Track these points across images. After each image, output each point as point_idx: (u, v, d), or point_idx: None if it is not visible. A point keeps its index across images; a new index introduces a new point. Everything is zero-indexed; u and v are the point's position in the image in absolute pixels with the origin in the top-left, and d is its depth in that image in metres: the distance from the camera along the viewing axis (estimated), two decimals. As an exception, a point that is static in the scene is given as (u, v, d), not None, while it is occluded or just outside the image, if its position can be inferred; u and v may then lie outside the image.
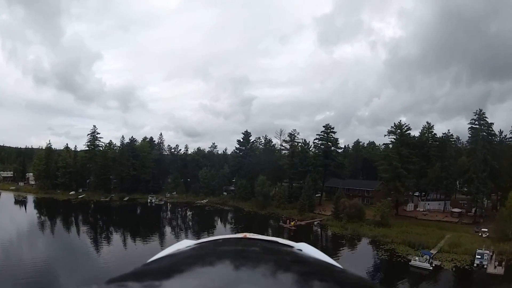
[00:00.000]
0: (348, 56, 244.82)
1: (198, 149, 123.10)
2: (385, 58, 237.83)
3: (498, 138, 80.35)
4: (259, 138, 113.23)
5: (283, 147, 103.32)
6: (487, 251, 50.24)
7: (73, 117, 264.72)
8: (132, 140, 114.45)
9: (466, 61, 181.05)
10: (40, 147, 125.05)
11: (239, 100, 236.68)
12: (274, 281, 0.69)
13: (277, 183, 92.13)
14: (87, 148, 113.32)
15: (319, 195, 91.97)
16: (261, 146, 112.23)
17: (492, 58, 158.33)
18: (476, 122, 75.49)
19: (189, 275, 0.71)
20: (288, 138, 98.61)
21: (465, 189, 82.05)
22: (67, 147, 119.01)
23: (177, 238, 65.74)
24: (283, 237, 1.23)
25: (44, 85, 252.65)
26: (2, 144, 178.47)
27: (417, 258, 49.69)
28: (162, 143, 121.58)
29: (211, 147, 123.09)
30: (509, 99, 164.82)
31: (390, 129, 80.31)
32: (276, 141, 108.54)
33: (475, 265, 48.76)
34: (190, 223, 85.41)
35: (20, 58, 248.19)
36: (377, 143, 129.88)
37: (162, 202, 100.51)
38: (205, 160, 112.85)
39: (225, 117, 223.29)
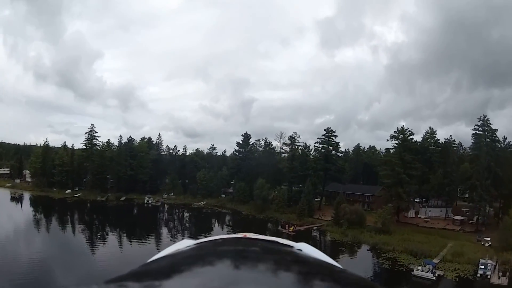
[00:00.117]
0: (349, 60, 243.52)
1: (197, 150, 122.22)
2: (386, 63, 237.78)
3: (502, 145, 78.98)
4: (258, 140, 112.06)
5: (283, 150, 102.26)
6: (491, 261, 49.13)
7: (73, 115, 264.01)
8: (130, 139, 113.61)
9: (467, 67, 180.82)
10: (39, 145, 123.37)
11: (239, 101, 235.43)
12: (274, 281, 0.69)
13: (276, 186, 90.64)
14: (85, 147, 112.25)
15: (319, 199, 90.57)
16: (260, 148, 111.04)
17: (493, 64, 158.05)
18: (480, 128, 74.29)
19: (189, 275, 0.71)
20: (288, 141, 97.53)
21: (466, 196, 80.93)
22: (64, 145, 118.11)
23: (173, 239, 64.41)
24: None
25: (44, 82, 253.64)
26: (0, 141, 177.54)
27: (419, 267, 48.35)
28: (161, 143, 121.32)
29: (210, 148, 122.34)
30: (509, 105, 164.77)
31: (393, 133, 79.28)
32: (276, 144, 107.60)
33: (478, 275, 47.60)
34: (187, 225, 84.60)
35: (21, 54, 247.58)
36: (377, 148, 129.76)
37: (159, 203, 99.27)
38: (203, 161, 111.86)
39: (225, 119, 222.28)
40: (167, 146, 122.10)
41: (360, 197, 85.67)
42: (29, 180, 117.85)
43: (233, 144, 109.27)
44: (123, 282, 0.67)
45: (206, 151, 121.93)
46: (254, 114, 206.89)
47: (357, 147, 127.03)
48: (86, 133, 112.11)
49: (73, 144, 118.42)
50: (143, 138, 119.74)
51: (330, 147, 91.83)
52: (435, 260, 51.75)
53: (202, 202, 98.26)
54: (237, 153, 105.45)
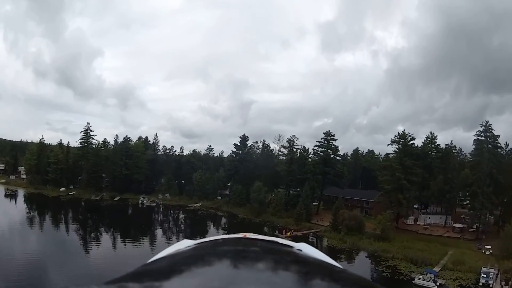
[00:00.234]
0: (349, 64, 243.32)
1: (194, 151, 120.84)
2: (386, 67, 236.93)
3: (504, 151, 77.81)
4: (256, 142, 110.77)
5: (281, 153, 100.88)
6: (493, 270, 48.30)
7: (72, 113, 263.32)
8: (127, 139, 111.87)
9: (467, 73, 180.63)
10: (36, 142, 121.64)
11: (238, 103, 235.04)
12: (274, 281, 0.69)
13: (274, 190, 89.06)
14: (80, 145, 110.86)
15: (316, 203, 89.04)
16: (258, 150, 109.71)
17: (492, 71, 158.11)
18: (482, 134, 73.15)
19: (189, 275, 0.71)
20: (286, 144, 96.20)
21: (465, 203, 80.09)
22: (60, 143, 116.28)
23: (168, 241, 63.91)
24: None
25: (43, 79, 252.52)
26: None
27: (421, 276, 47.09)
28: (157, 143, 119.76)
29: (207, 149, 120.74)
30: (507, 112, 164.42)
31: (394, 138, 78.00)
32: (274, 146, 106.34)
33: (480, 284, 46.75)
34: (182, 227, 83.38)
35: (21, 50, 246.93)
36: (376, 152, 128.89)
37: (154, 204, 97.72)
38: (200, 162, 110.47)
39: (223, 120, 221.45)
40: (164, 146, 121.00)
41: (359, 202, 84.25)
42: (23, 177, 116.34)
43: (230, 145, 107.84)
44: (123, 283, 0.67)
45: (203, 152, 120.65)
46: (252, 116, 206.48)
47: (356, 151, 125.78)
48: (82, 131, 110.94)
49: (68, 142, 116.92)
50: (140, 138, 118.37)
51: (329, 150, 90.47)
52: (436, 269, 50.82)
53: (198, 204, 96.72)
54: (234, 155, 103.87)
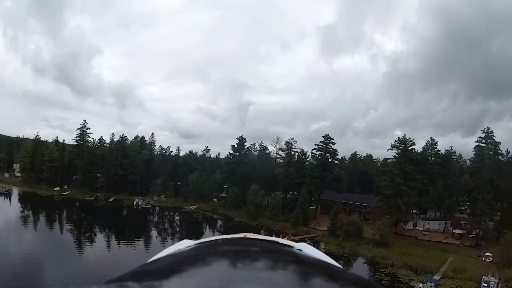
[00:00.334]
0: (348, 67, 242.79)
1: (190, 152, 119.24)
2: (384, 71, 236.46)
3: (505, 158, 76.92)
4: (254, 144, 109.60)
5: (279, 156, 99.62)
6: (493, 278, 47.44)
7: (70, 110, 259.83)
8: (123, 138, 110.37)
9: (465, 78, 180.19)
10: (33, 138, 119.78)
11: (236, 104, 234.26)
12: (275, 281, 0.69)
13: (271, 193, 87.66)
14: (76, 143, 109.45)
15: (313, 207, 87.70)
16: (255, 153, 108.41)
17: (491, 76, 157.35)
18: (483, 141, 72.26)
19: (189, 275, 0.72)
20: (284, 147, 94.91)
21: (464, 208, 79.18)
22: (56, 140, 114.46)
23: (163, 243, 62.97)
24: None
25: (42, 76, 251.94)
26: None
27: (421, 285, 46.08)
28: (154, 143, 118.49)
29: (204, 150, 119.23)
30: (505, 118, 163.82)
31: (394, 143, 76.99)
32: (272, 149, 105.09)
33: (481, 292, 45.55)
34: (177, 229, 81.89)
35: (20, 47, 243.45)
36: (372, 155, 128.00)
37: (149, 206, 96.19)
38: (196, 163, 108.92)
39: (221, 121, 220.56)
40: (160, 146, 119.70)
41: (357, 207, 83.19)
42: (18, 174, 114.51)
43: (227, 147, 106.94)
44: (123, 282, 0.67)
45: (200, 153, 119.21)
46: (250, 118, 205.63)
47: (354, 155, 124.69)
48: (77, 129, 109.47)
49: (64, 140, 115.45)
50: (136, 137, 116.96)
51: (327, 154, 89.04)
52: (436, 277, 49.91)
53: (193, 206, 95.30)
54: (231, 157, 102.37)
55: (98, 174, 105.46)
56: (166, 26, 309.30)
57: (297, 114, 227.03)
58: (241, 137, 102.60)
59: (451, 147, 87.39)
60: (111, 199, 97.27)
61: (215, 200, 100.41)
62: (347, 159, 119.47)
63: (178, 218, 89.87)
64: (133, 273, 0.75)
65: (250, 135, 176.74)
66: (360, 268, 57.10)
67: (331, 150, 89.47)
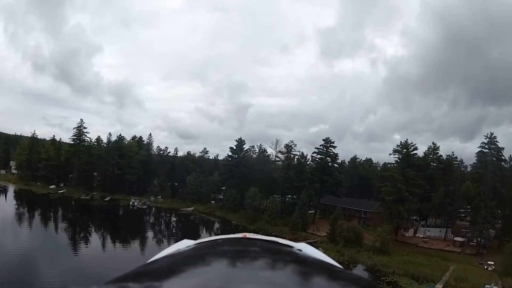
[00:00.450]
0: (348, 71, 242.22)
1: (188, 153, 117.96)
2: (384, 76, 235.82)
3: (508, 165, 75.72)
4: (253, 146, 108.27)
5: (278, 159, 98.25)
6: (496, 287, 46.19)
7: (68, 109, 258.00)
8: (120, 138, 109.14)
9: (465, 84, 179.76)
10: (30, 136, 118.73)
11: (235, 106, 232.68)
12: (274, 281, 0.69)
13: (269, 196, 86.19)
14: (73, 142, 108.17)
15: (312, 211, 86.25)
16: (254, 155, 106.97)
17: (491, 82, 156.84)
18: (486, 146, 71.06)
19: (189, 275, 0.72)
20: (284, 149, 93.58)
21: (463, 215, 77.98)
22: (53, 139, 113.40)
23: (159, 245, 61.85)
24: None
25: (41, 74, 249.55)
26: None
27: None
28: (151, 143, 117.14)
29: (202, 151, 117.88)
30: (504, 123, 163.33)
31: (396, 147, 75.68)
32: (271, 151, 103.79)
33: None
34: (174, 231, 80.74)
35: (20, 43, 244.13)
36: (372, 159, 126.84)
37: (145, 206, 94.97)
38: (194, 164, 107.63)
39: (220, 122, 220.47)
40: (158, 146, 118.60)
41: (356, 212, 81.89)
42: (14, 171, 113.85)
43: (226, 148, 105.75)
44: (123, 283, 0.67)
45: (198, 154, 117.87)
46: (249, 120, 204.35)
47: (354, 159, 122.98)
48: (75, 127, 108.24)
49: (60, 138, 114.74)
50: (134, 137, 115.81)
51: (328, 158, 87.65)
52: (438, 286, 49.23)
53: (190, 208, 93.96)
54: (230, 159, 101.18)
55: (94, 173, 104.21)
56: (166, 26, 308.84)
57: (296, 116, 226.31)
58: (240, 139, 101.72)
59: (452, 152, 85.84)
60: (107, 199, 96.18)
61: (213, 202, 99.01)
62: (347, 162, 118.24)
63: (175, 219, 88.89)
64: (133, 273, 0.75)
65: (249, 137, 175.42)
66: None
67: (332, 153, 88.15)
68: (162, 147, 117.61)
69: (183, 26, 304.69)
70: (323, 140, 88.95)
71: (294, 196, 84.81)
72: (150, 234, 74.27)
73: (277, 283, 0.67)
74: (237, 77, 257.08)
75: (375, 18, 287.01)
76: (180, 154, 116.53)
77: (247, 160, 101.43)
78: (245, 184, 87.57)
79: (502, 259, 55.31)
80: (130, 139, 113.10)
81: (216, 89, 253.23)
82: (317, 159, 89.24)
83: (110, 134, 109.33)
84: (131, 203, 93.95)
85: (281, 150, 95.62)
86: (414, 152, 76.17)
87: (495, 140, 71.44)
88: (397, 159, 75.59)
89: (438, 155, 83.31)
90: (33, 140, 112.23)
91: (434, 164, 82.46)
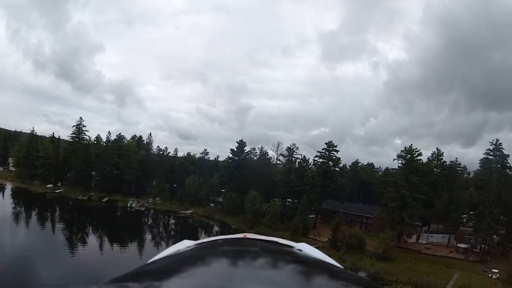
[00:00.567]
0: (349, 74, 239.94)
1: (188, 154, 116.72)
2: (385, 79, 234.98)
3: (512, 171, 74.73)
4: (253, 149, 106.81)
5: (279, 162, 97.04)
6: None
7: (69, 106, 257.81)
8: (120, 137, 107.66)
9: (466, 88, 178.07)
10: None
11: (235, 107, 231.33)
12: (275, 281, 0.70)
13: (269, 200, 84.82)
14: (71, 140, 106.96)
15: (313, 216, 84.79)
16: (255, 157, 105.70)
17: (492, 87, 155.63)
18: (491, 153, 70.01)
19: (189, 275, 0.72)
20: (285, 152, 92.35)
21: (466, 221, 76.88)
22: (52, 136, 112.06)
23: (157, 248, 60.68)
24: None
25: (43, 71, 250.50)
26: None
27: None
28: (151, 143, 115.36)
29: (202, 153, 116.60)
30: (505, 129, 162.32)
31: (400, 153, 74.49)
32: (272, 154, 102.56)
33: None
34: (172, 234, 79.68)
35: (22, 40, 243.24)
36: (373, 164, 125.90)
37: (143, 208, 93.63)
38: (194, 166, 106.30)
39: (220, 124, 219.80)
40: (158, 146, 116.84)
41: (358, 217, 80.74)
42: (12, 169, 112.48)
43: (226, 149, 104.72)
44: (123, 283, 0.67)
45: (198, 155, 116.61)
46: (249, 121, 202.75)
47: (355, 163, 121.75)
48: (74, 126, 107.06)
49: (59, 136, 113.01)
50: (134, 137, 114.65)
51: (330, 162, 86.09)
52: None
53: (189, 211, 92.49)
54: (230, 161, 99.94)
55: (93, 173, 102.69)
56: (168, 26, 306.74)
57: (296, 119, 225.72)
58: (241, 141, 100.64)
59: (456, 158, 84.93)
60: (104, 200, 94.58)
61: (212, 205, 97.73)
62: (348, 166, 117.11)
63: (173, 222, 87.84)
64: (133, 273, 0.75)
65: (249, 139, 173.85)
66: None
67: (334, 158, 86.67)
68: (162, 147, 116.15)
69: (184, 26, 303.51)
70: (326, 143, 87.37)
71: (295, 200, 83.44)
72: (147, 237, 73.40)
73: (277, 283, 0.67)
74: (238, 79, 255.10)
75: (378, 22, 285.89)
76: (180, 154, 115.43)
77: (248, 162, 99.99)
78: (245, 187, 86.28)
79: (507, 266, 54.41)
80: (130, 138, 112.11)
81: (217, 90, 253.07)
82: (319, 163, 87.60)
83: (109, 133, 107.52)
84: (129, 204, 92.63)
85: (283, 153, 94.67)
86: (418, 157, 75.00)
87: (500, 147, 70.39)
88: (400, 164, 74.33)
89: (442, 161, 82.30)
90: (32, 137, 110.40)
91: (437, 170, 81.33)
